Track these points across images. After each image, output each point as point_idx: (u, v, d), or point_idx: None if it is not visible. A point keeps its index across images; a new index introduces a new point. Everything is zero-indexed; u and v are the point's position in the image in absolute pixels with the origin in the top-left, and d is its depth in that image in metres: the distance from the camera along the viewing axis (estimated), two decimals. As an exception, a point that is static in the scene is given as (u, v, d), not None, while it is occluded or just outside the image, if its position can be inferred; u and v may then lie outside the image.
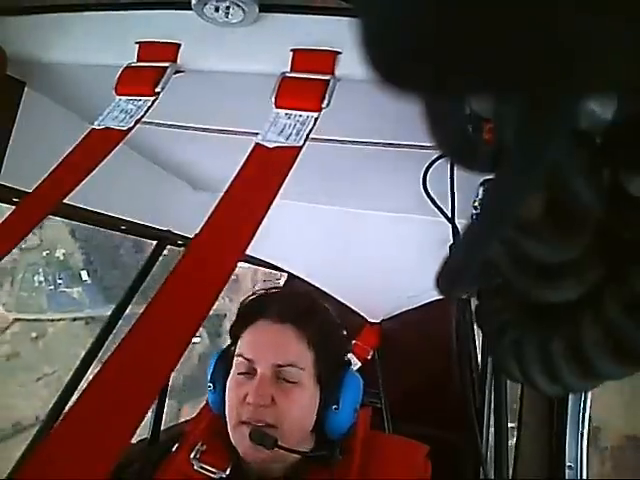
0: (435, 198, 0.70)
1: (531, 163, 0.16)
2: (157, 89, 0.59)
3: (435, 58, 0.13)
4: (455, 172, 0.66)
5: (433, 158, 0.69)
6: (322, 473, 0.73)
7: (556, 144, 0.16)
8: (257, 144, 0.51)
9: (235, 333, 0.80)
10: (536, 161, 0.16)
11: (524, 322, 0.29)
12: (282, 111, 0.54)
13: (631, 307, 0.24)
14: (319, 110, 0.53)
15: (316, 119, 0.53)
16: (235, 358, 0.77)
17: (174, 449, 0.79)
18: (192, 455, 0.76)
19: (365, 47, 0.14)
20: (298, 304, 0.80)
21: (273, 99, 0.55)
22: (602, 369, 0.25)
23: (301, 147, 0.50)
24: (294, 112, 0.53)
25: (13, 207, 0.83)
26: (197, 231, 0.44)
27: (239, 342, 0.78)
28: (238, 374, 0.76)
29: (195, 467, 0.75)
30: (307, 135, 0.51)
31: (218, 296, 0.40)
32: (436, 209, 0.70)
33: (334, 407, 0.75)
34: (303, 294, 0.85)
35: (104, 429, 0.33)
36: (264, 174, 0.48)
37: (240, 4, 0.55)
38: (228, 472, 0.74)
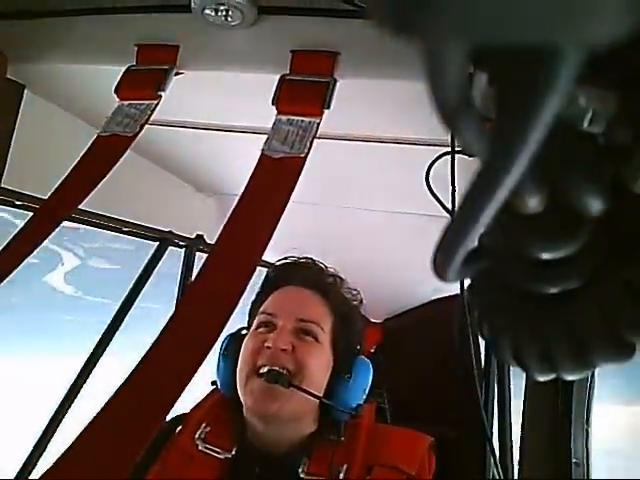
0: (439, 196, 0.70)
1: (519, 123, 0.16)
2: (159, 92, 0.60)
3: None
4: (456, 170, 0.66)
5: (437, 155, 0.69)
6: (326, 452, 0.73)
7: (548, 102, 0.15)
8: (263, 154, 0.51)
9: (259, 299, 0.80)
10: (524, 121, 0.15)
11: (518, 303, 0.29)
12: (284, 117, 0.54)
13: (629, 293, 0.24)
14: (320, 115, 0.53)
15: (318, 124, 0.53)
16: (256, 318, 0.77)
17: (178, 430, 0.79)
18: (197, 436, 0.75)
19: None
20: (323, 274, 0.82)
21: (274, 103, 0.55)
22: (597, 353, 0.25)
23: (306, 156, 0.50)
24: (296, 118, 0.53)
25: (15, 209, 0.83)
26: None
27: (262, 306, 0.78)
28: (258, 328, 0.76)
29: (200, 447, 0.74)
30: (311, 143, 0.51)
31: (239, 300, 0.41)
32: (440, 205, 0.69)
33: (347, 376, 0.76)
34: (326, 267, 0.85)
35: (134, 428, 0.35)
36: (273, 184, 0.49)
37: (239, 6, 0.54)
38: (234, 452, 0.74)
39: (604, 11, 0.13)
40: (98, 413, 0.35)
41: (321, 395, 0.75)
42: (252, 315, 0.81)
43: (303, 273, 0.80)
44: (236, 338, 0.80)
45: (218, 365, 0.81)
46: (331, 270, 0.84)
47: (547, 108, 0.15)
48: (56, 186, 0.56)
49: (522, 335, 0.28)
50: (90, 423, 0.35)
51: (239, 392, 0.74)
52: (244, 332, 0.81)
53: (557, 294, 0.27)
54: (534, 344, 0.27)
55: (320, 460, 0.73)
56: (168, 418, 0.89)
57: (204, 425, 0.77)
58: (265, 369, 0.71)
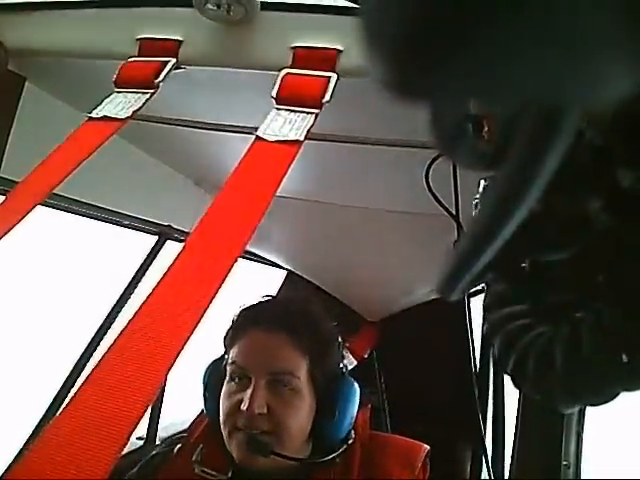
0: (439, 196, 0.70)
1: (534, 169, 0.16)
2: (156, 81, 0.59)
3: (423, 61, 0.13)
4: (459, 169, 0.66)
5: (435, 155, 0.69)
6: (322, 474, 0.73)
7: (558, 150, 0.15)
8: (257, 137, 0.50)
9: (228, 343, 0.79)
10: (540, 167, 0.16)
11: (548, 334, 0.28)
12: (282, 107, 0.54)
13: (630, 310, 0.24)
14: (320, 107, 0.53)
15: (317, 115, 0.52)
16: (229, 367, 0.77)
17: (174, 451, 0.79)
18: (193, 458, 0.75)
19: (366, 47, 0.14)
20: (289, 312, 0.79)
21: (274, 96, 0.55)
22: (616, 382, 0.24)
23: (302, 142, 0.49)
24: (295, 108, 0.53)
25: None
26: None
27: (232, 350, 0.77)
28: (232, 382, 0.75)
29: (196, 470, 0.74)
30: (308, 130, 0.51)
31: (217, 293, 0.39)
32: (439, 206, 0.69)
33: (330, 416, 0.75)
34: (295, 302, 0.83)
35: (102, 426, 0.32)
36: (264, 168, 0.47)
37: (241, 2, 0.54)
38: (230, 475, 0.74)
39: (608, 77, 0.13)
40: (65, 407, 0.33)
41: (307, 434, 0.75)
42: (227, 350, 0.80)
43: (268, 315, 0.78)
44: (218, 371, 0.79)
45: (203, 397, 0.80)
46: (298, 307, 0.81)
47: (556, 152, 0.15)
48: (37, 165, 0.55)
49: (547, 372, 0.27)
50: (58, 418, 0.33)
51: (225, 442, 0.74)
52: (226, 357, 0.79)
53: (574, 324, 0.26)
54: (560, 379, 0.26)
55: None
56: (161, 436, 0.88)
57: (200, 447, 0.77)
58: (244, 430, 0.71)
